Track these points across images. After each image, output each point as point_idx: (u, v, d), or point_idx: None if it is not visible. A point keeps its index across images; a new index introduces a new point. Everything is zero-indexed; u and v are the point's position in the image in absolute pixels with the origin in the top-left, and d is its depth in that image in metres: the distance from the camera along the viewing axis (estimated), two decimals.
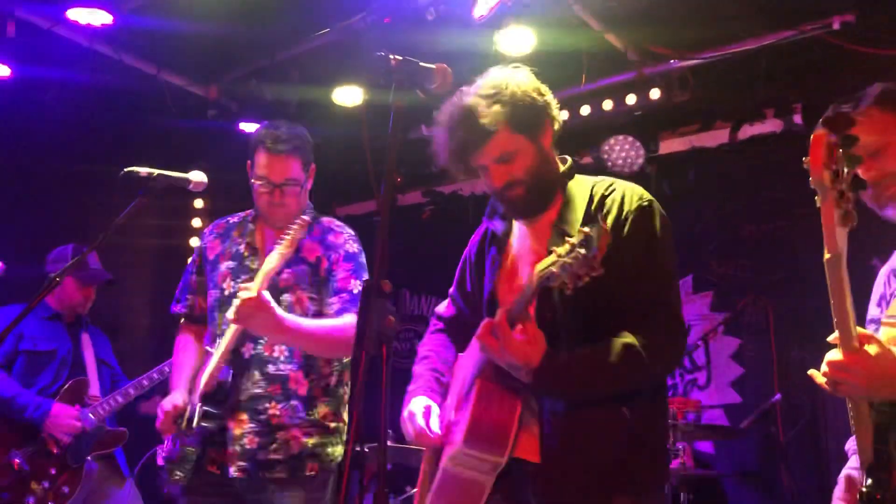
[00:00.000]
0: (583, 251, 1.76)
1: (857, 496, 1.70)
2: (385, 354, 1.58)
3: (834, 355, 1.56)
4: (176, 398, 2.82)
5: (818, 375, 1.67)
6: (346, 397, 2.97)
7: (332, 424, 2.88)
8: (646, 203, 2.15)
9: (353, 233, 3.05)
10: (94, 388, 4.34)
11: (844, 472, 2.14)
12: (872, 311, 2.12)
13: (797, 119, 4.82)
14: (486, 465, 2.03)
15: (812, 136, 1.46)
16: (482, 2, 4.10)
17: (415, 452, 4.16)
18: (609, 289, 2.00)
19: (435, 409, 2.29)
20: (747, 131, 5.09)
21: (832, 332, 1.64)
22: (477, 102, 2.18)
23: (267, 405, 2.77)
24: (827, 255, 1.55)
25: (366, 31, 4.46)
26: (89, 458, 4.20)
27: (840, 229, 1.51)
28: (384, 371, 1.57)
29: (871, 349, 1.56)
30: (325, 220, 3.07)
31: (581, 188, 2.25)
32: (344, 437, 2.93)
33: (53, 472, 4.06)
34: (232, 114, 5.46)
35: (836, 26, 4.27)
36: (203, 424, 2.72)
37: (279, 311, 2.63)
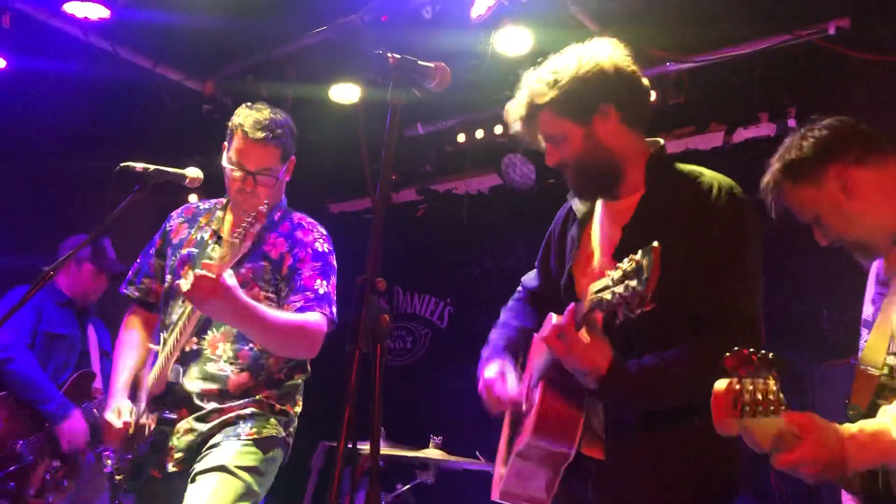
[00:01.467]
0: (633, 283, 1.66)
1: None
2: (378, 352, 1.58)
3: (780, 455, 1.57)
4: (122, 409, 2.66)
5: None
6: (298, 392, 2.83)
7: (277, 406, 2.72)
8: (737, 200, 2.03)
9: (325, 232, 2.89)
10: (98, 380, 4.37)
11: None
12: (866, 310, 2.13)
13: (791, 123, 4.83)
14: (554, 458, 2.02)
15: (713, 398, 1.48)
16: (479, 1, 4.11)
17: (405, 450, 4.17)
18: (687, 290, 1.93)
19: (509, 372, 2.25)
20: (742, 134, 5.11)
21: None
22: (534, 80, 2.16)
23: (200, 402, 2.64)
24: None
25: (363, 28, 4.46)
26: (89, 451, 4.22)
27: (773, 424, 1.50)
28: (377, 369, 1.58)
29: (812, 440, 1.56)
30: (297, 215, 2.90)
31: (670, 175, 2.16)
32: (292, 426, 2.79)
33: (56, 464, 4.08)
34: (227, 109, 5.43)
35: (831, 31, 4.29)
36: (163, 427, 2.62)
37: (242, 294, 2.45)
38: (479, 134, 5.64)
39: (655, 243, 1.64)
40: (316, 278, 2.71)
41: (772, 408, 1.46)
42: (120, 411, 2.67)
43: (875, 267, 2.13)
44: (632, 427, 2.03)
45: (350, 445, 1.49)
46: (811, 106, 4.80)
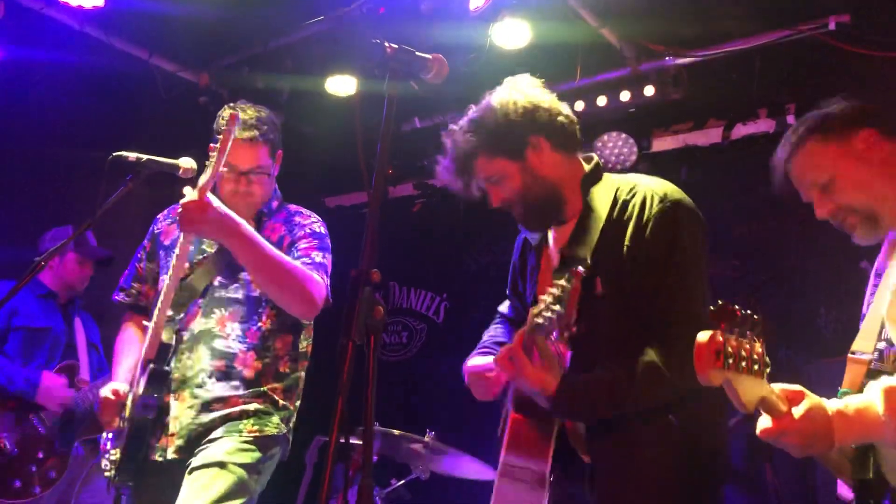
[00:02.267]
0: (557, 308, 1.81)
1: None
2: (372, 345, 1.56)
3: (764, 423, 1.58)
4: (116, 385, 2.68)
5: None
6: (300, 385, 2.86)
7: (281, 401, 2.76)
8: (668, 205, 2.09)
9: (320, 219, 2.95)
10: (84, 372, 4.32)
11: None
12: (865, 308, 2.13)
13: (790, 119, 4.81)
14: (533, 474, 2.09)
15: (696, 347, 1.44)
16: None
17: (400, 444, 4.15)
18: (636, 299, 2.04)
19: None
20: (740, 131, 5.09)
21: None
22: (458, 130, 2.26)
23: (207, 381, 2.65)
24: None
25: (360, 20, 4.42)
26: (76, 442, 4.17)
27: (758, 386, 1.49)
28: (371, 362, 1.56)
29: (798, 411, 1.58)
30: (293, 206, 2.97)
31: (605, 191, 2.22)
32: (291, 421, 2.81)
33: (41, 455, 4.03)
34: (223, 101, 5.39)
35: (831, 27, 4.26)
36: (142, 410, 2.59)
37: (228, 211, 2.53)
38: None
39: (580, 268, 1.80)
40: (313, 250, 2.78)
41: (756, 367, 1.47)
42: (114, 387, 2.68)
43: (876, 263, 2.13)
44: (610, 427, 2.07)
45: (343, 440, 1.47)
46: (810, 102, 4.77)
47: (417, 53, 1.90)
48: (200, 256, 2.81)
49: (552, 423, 2.10)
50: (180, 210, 2.48)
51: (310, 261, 2.73)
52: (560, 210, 2.25)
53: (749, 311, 1.48)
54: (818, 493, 4.14)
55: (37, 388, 4.00)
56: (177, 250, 2.62)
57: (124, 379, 2.75)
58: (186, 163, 2.87)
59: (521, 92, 2.23)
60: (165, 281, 2.77)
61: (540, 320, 1.88)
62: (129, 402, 2.66)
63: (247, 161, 2.76)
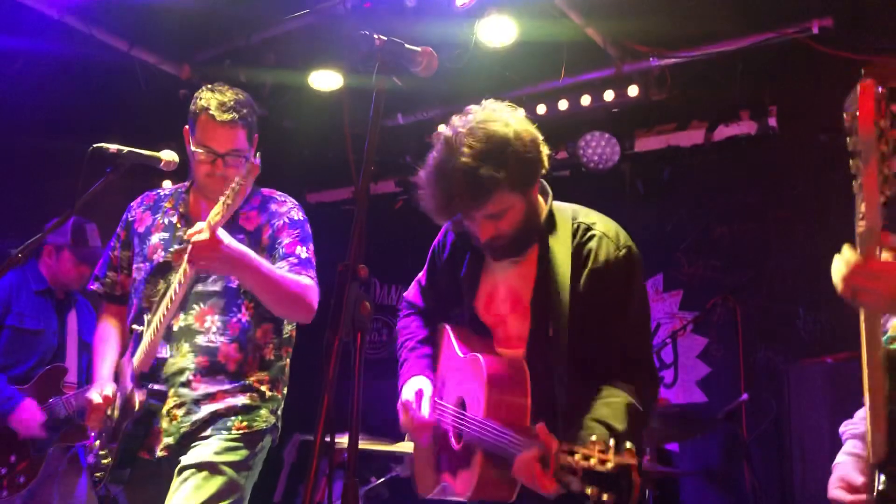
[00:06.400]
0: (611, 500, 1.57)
1: (874, 496, 1.62)
2: (359, 341, 1.54)
3: (856, 258, 1.33)
4: (105, 388, 2.66)
5: (839, 272, 1.36)
6: (286, 372, 2.85)
7: (268, 393, 2.74)
8: (622, 253, 2.14)
9: (296, 202, 2.91)
10: (73, 374, 4.18)
11: (840, 458, 2.08)
12: None
13: (772, 122, 4.85)
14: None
15: (859, 86, 1.21)
16: None
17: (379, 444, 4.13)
18: (592, 342, 2.10)
19: (427, 390, 2.33)
20: (723, 132, 5.11)
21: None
22: (476, 163, 2.02)
23: (191, 378, 2.64)
24: (861, 229, 1.32)
25: (345, 14, 4.39)
26: (51, 449, 4.07)
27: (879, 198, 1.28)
28: (357, 358, 1.54)
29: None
30: (265, 190, 2.91)
31: (562, 220, 2.22)
32: (279, 411, 2.80)
33: (13, 459, 3.93)
34: None
35: (814, 30, 4.30)
36: (152, 401, 2.58)
37: (236, 244, 2.47)
38: None
39: (631, 461, 1.57)
40: (296, 245, 2.75)
41: (890, 184, 1.27)
42: (103, 390, 2.66)
43: None
44: None
45: (328, 438, 1.45)
46: (792, 105, 4.82)
47: (407, 46, 1.88)
48: (178, 246, 2.75)
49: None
50: (190, 247, 2.41)
51: (296, 260, 2.70)
52: (534, 239, 2.22)
53: None
54: (795, 492, 4.17)
55: (12, 412, 3.88)
56: (180, 278, 2.56)
57: (108, 378, 2.72)
58: (168, 155, 2.85)
59: (524, 121, 2.13)
60: (163, 295, 2.71)
61: (576, 486, 1.65)
62: (117, 402, 2.64)
63: (224, 143, 2.72)
